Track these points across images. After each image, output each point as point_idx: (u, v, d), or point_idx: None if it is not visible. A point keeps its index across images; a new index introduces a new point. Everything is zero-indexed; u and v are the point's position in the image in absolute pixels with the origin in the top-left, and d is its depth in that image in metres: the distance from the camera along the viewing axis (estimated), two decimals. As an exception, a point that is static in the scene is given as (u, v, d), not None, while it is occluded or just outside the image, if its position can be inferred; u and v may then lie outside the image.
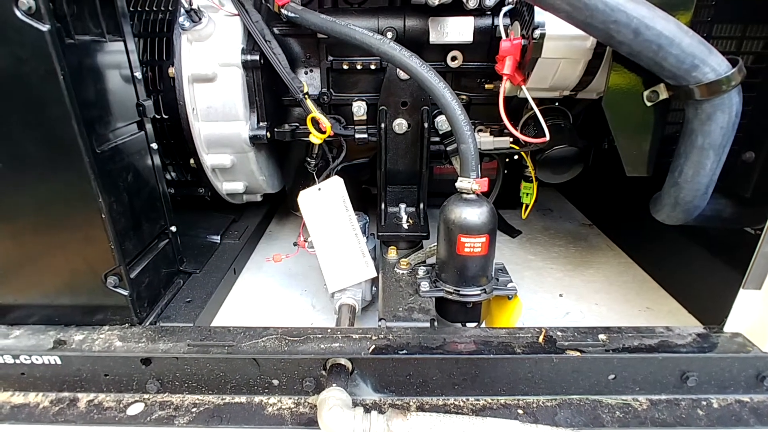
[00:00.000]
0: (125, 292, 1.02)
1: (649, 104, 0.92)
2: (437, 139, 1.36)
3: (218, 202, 1.59)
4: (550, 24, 0.95)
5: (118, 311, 1.05)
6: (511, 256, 1.73)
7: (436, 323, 1.07)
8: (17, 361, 1.01)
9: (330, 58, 1.33)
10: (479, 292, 1.09)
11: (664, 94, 0.90)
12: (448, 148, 1.32)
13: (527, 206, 1.42)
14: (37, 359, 1.00)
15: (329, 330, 1.03)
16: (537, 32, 0.96)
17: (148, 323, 1.09)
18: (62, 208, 0.94)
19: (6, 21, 0.77)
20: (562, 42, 0.95)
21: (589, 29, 0.81)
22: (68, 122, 0.85)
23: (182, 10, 1.16)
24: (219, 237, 1.48)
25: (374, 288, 1.33)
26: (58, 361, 1.00)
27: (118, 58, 1.03)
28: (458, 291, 1.09)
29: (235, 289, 1.46)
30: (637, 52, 0.80)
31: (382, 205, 1.39)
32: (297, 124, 1.40)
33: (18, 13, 0.77)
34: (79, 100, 0.86)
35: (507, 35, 1.04)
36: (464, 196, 1.04)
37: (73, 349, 0.99)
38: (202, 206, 1.62)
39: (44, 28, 0.79)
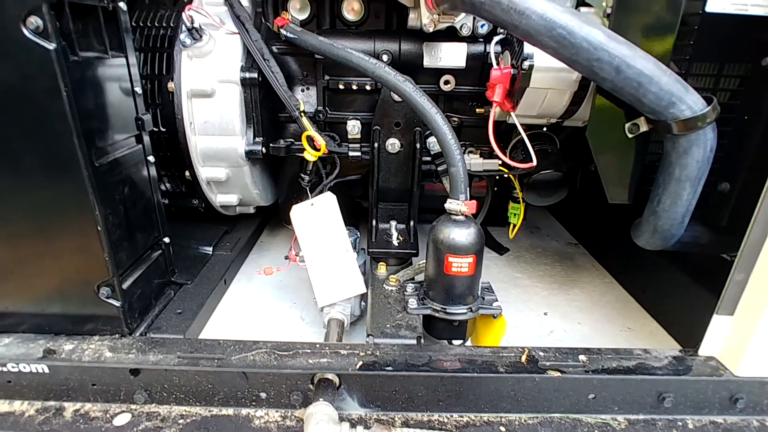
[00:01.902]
0: (117, 303, 1.03)
1: (630, 136, 0.97)
2: (428, 158, 1.39)
3: (211, 213, 1.61)
4: (539, 56, 1.00)
5: (109, 321, 1.06)
6: (498, 274, 1.77)
7: (422, 340, 1.09)
8: (4, 369, 1.01)
9: (326, 77, 1.36)
10: (465, 310, 1.11)
11: (644, 127, 0.95)
12: (439, 168, 1.35)
13: (515, 226, 1.46)
14: (24, 367, 1.00)
15: (318, 345, 1.05)
16: (526, 63, 1.00)
17: (138, 334, 1.10)
18: (58, 219, 0.95)
19: (13, 38, 0.79)
20: (550, 73, 1.00)
21: (574, 65, 0.85)
22: (69, 137, 0.87)
23: (184, 28, 1.19)
24: (211, 248, 1.50)
25: (363, 303, 1.35)
26: (46, 370, 1.01)
27: (119, 74, 1.05)
28: (445, 309, 1.11)
29: (225, 300, 1.47)
30: (619, 88, 0.85)
31: (374, 222, 1.42)
32: (292, 140, 1.43)
33: (26, 32, 0.79)
34: (80, 115, 0.88)
35: (498, 63, 1.09)
36: (453, 217, 1.07)
37: (62, 359, 1.00)
38: (195, 217, 1.64)
39: (50, 46, 0.81)
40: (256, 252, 1.85)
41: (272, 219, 2.07)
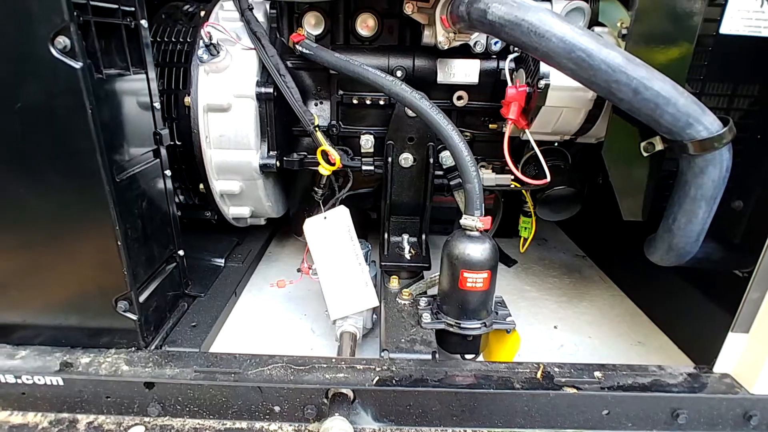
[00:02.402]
0: (134, 317, 1.04)
1: (645, 154, 0.98)
2: (440, 173, 1.40)
3: (221, 224, 1.62)
4: (555, 75, 1.01)
5: (125, 335, 1.06)
6: (507, 286, 1.77)
7: (437, 355, 1.09)
8: (19, 381, 1.01)
9: (340, 92, 1.38)
10: (479, 325, 1.12)
11: (659, 146, 0.96)
12: (451, 183, 1.36)
13: (526, 240, 1.47)
14: (39, 379, 1.01)
15: (333, 360, 1.05)
16: (542, 82, 1.01)
17: (153, 347, 1.11)
18: (79, 233, 0.96)
19: (41, 58, 0.81)
20: (565, 92, 1.01)
21: (592, 86, 0.86)
22: (92, 153, 0.88)
23: (202, 44, 1.21)
24: (223, 260, 1.51)
25: (374, 316, 1.35)
26: (61, 382, 1.01)
27: (139, 89, 1.06)
28: (459, 324, 1.12)
29: (235, 312, 1.48)
30: (637, 109, 0.86)
31: (386, 235, 1.43)
32: (305, 153, 1.44)
33: (54, 51, 0.81)
34: (102, 131, 0.89)
35: (512, 81, 1.10)
36: (468, 232, 1.08)
37: (79, 372, 1.00)
38: (206, 228, 1.64)
39: (77, 65, 0.82)
40: (264, 263, 1.85)
41: (280, 229, 2.08)
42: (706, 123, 0.85)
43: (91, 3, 0.87)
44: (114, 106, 0.96)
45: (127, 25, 0.99)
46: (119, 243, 0.96)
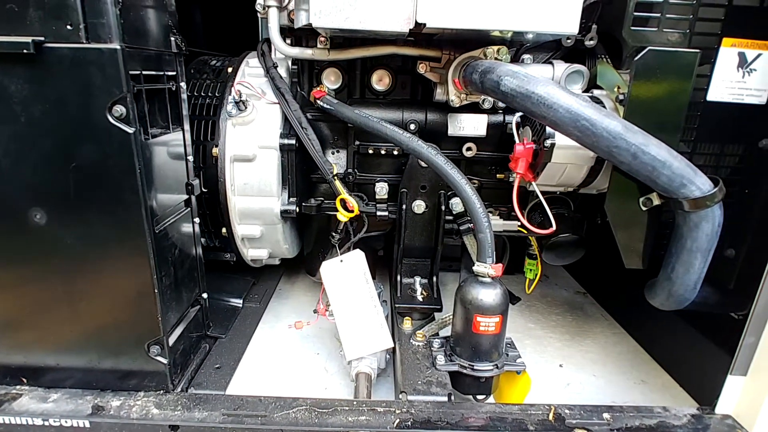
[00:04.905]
0: (165, 361, 1.08)
1: (644, 209, 1.06)
2: (450, 218, 1.49)
3: (237, 263, 1.67)
4: (559, 135, 1.10)
5: (154, 377, 1.11)
6: (512, 324, 1.82)
7: (453, 397, 1.14)
8: (46, 424, 1.05)
9: (357, 142, 1.47)
10: (491, 367, 1.17)
11: (657, 201, 1.05)
12: (461, 228, 1.44)
13: (531, 281, 1.54)
14: (66, 422, 1.04)
15: (354, 402, 1.10)
16: (548, 142, 1.11)
17: (179, 389, 1.15)
18: (118, 282, 1.02)
19: (100, 124, 0.89)
20: (569, 150, 1.11)
21: (595, 150, 0.96)
22: (138, 209, 0.95)
23: (231, 100, 1.31)
24: (241, 301, 1.56)
25: (387, 356, 1.40)
26: (87, 425, 1.05)
27: (176, 144, 1.15)
28: (472, 366, 1.17)
29: (250, 349, 1.51)
30: (636, 171, 0.95)
31: (398, 277, 1.50)
32: (322, 199, 1.52)
33: (110, 118, 0.89)
34: (147, 186, 0.97)
35: (519, 138, 1.20)
36: (481, 279, 1.15)
37: (111, 416, 1.04)
38: (222, 268, 1.70)
39: (130, 130, 0.91)
40: (276, 300, 1.89)
41: (291, 267, 2.13)
42: (699, 183, 0.95)
43: (144, 73, 0.96)
44: (156, 163, 1.04)
45: (169, 88, 1.09)
46: (156, 291, 1.02)
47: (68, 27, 0.85)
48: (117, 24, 0.86)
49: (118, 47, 0.87)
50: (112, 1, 0.86)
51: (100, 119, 0.89)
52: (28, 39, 0.84)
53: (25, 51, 0.84)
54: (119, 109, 0.89)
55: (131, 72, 0.90)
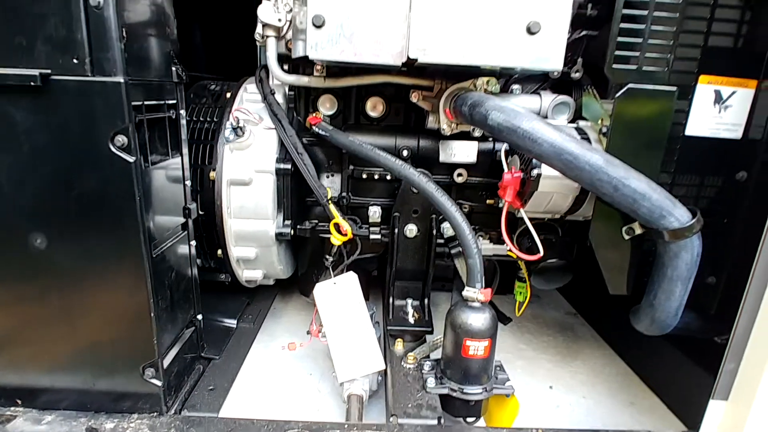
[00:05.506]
0: (159, 383, 1.10)
1: (626, 237, 1.10)
2: (441, 241, 1.52)
3: (233, 283, 1.69)
4: (546, 165, 1.15)
5: (148, 399, 1.12)
6: (504, 344, 1.84)
7: (443, 420, 1.16)
8: (39, 445, 1.06)
9: (351, 167, 1.51)
10: (481, 390, 1.20)
11: (638, 231, 1.09)
12: (452, 251, 1.48)
13: (521, 304, 1.57)
14: (58, 443, 1.05)
15: (345, 425, 1.12)
16: (534, 172, 1.15)
17: (173, 411, 1.16)
18: (116, 305, 1.05)
19: (102, 153, 0.92)
20: (556, 180, 1.15)
21: (579, 182, 1.00)
22: (137, 235, 0.98)
23: (229, 126, 1.34)
24: (235, 321, 1.58)
25: (379, 377, 1.42)
26: (79, 447, 1.06)
27: (175, 170, 1.18)
28: (462, 389, 1.19)
29: (243, 370, 1.52)
30: (617, 202, 0.99)
31: (390, 299, 1.53)
32: (317, 221, 1.56)
33: (113, 148, 0.92)
34: (145, 212, 1.00)
35: (508, 166, 1.24)
36: (470, 303, 1.18)
37: (104, 438, 1.05)
38: (217, 288, 1.72)
39: (131, 159, 0.94)
40: (270, 319, 1.90)
41: (285, 286, 2.15)
42: (677, 215, 0.99)
43: (145, 103, 1.00)
44: (155, 189, 1.07)
45: (170, 117, 1.12)
46: (152, 314, 1.04)
47: (74, 60, 0.89)
48: (121, 58, 0.90)
49: (122, 80, 0.90)
50: (117, 36, 0.90)
51: (103, 148, 0.92)
52: (36, 72, 0.88)
53: (32, 83, 0.87)
54: (121, 139, 0.92)
55: (134, 103, 0.94)
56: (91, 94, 0.90)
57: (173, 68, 1.13)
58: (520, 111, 1.00)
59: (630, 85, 1.03)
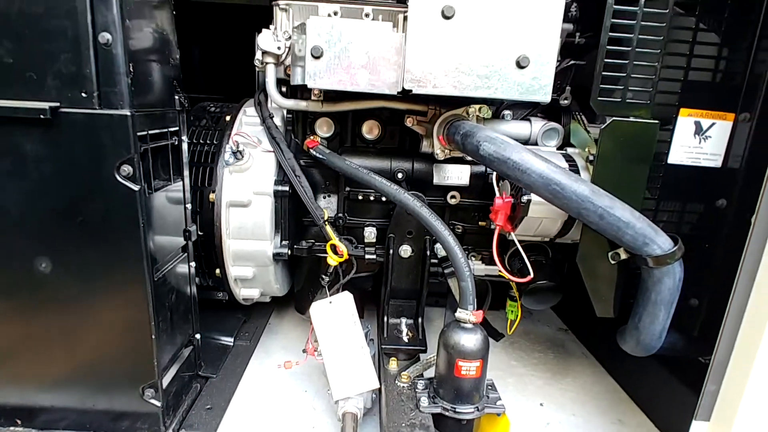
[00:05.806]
0: (158, 403, 1.12)
1: (612, 262, 1.15)
2: (435, 261, 1.56)
3: (230, 301, 1.72)
4: (535, 192, 1.19)
5: (147, 419, 1.14)
6: (496, 361, 1.87)
7: (435, 440, 1.19)
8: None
9: (347, 188, 1.55)
10: (473, 410, 1.23)
11: (624, 256, 1.13)
12: (445, 271, 1.52)
13: (513, 322, 1.61)
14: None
15: (341, 444, 1.14)
16: (524, 198, 1.20)
17: (170, 431, 1.18)
18: (117, 327, 1.07)
19: (107, 182, 0.96)
20: (545, 206, 1.19)
21: (566, 210, 1.05)
22: (140, 261, 1.01)
23: (229, 149, 1.38)
24: (232, 339, 1.60)
25: (374, 395, 1.45)
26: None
27: (176, 194, 1.21)
28: (454, 408, 1.23)
29: (239, 389, 1.54)
30: (603, 230, 1.04)
31: (385, 318, 1.56)
32: (313, 241, 1.59)
33: (118, 177, 0.96)
34: (148, 237, 1.03)
35: (499, 191, 1.28)
36: (462, 324, 1.22)
37: (103, 459, 1.07)
38: (213, 305, 1.74)
39: (136, 187, 0.97)
40: (266, 335, 1.93)
41: (281, 302, 2.17)
42: (660, 243, 1.03)
43: (150, 132, 1.03)
44: (157, 213, 1.10)
45: (172, 143, 1.16)
46: (153, 336, 1.07)
47: (83, 94, 0.93)
48: (128, 91, 0.94)
49: (129, 113, 0.94)
50: (124, 71, 0.94)
51: (108, 178, 0.96)
52: (46, 105, 0.91)
53: (42, 116, 0.91)
54: (126, 169, 0.96)
55: (139, 133, 0.98)
56: (98, 127, 0.94)
57: (176, 97, 1.17)
58: (510, 143, 1.05)
59: (614, 119, 1.09)
